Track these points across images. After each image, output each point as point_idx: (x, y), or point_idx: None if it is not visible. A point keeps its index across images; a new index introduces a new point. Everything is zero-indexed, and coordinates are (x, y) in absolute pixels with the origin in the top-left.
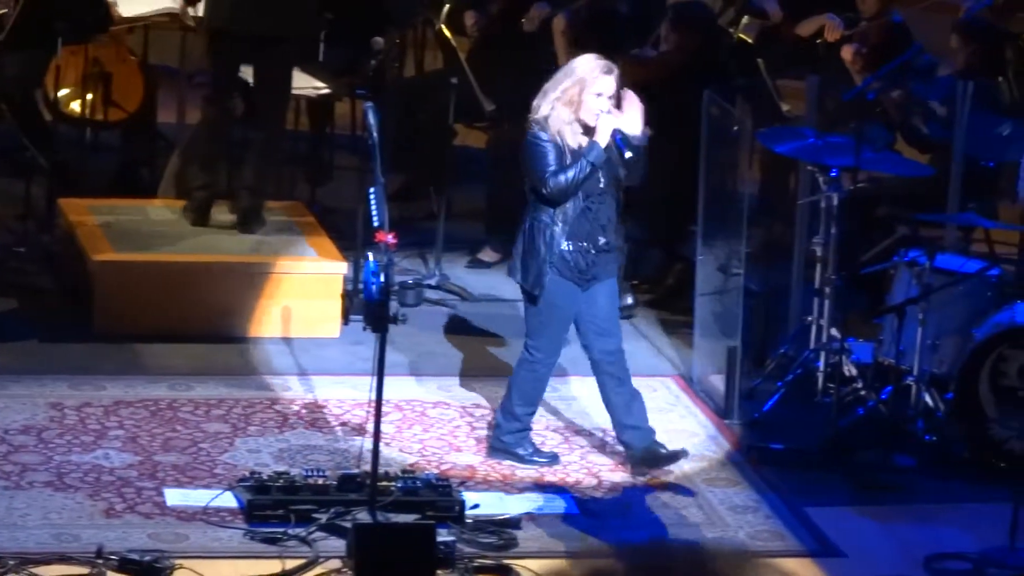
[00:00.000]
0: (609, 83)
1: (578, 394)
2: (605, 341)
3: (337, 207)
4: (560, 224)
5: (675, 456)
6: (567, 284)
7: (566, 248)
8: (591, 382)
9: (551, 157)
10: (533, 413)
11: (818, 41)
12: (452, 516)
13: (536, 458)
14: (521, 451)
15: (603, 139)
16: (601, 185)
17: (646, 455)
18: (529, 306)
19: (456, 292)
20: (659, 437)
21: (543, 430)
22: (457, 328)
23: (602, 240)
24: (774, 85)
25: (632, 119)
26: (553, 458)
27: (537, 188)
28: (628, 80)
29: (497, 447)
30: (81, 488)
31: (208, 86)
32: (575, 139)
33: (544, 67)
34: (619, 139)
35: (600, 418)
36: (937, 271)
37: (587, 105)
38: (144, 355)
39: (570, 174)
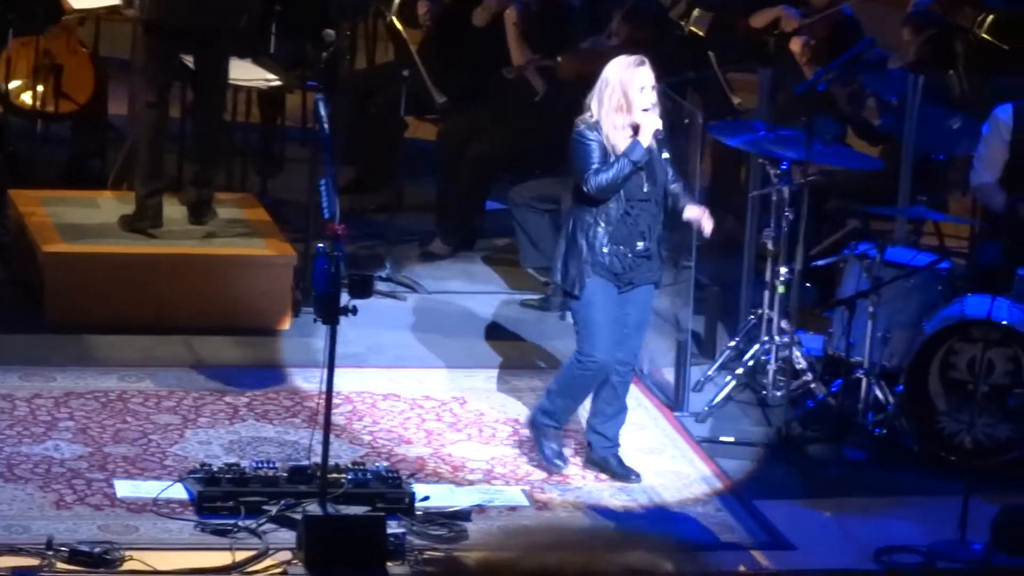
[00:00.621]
0: (646, 74)
1: (527, 387)
2: (621, 349)
3: (288, 199)
4: (603, 225)
5: (623, 477)
6: (606, 284)
7: (606, 250)
8: (541, 375)
9: (596, 156)
10: (570, 410)
11: (774, 32)
12: (402, 508)
13: (556, 460)
14: (546, 447)
15: (645, 138)
16: (644, 190)
17: (600, 463)
18: (572, 308)
19: (407, 284)
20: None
21: (493, 422)
22: (408, 320)
23: (641, 245)
24: (725, 78)
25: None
26: (563, 462)
27: (579, 185)
28: (577, 72)
29: (530, 422)
30: (31, 479)
31: (146, 85)
32: (626, 144)
33: (495, 59)
34: (657, 135)
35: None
36: (887, 264)
37: (636, 104)
38: (94, 347)
39: (612, 172)
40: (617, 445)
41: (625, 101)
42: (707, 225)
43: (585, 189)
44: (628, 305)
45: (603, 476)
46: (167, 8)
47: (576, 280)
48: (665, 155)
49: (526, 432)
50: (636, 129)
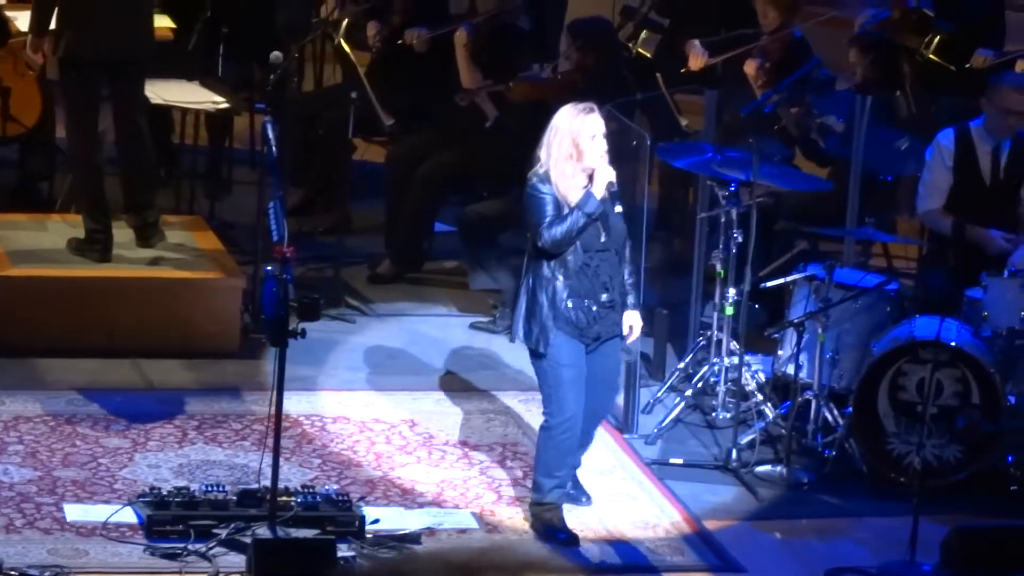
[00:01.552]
0: (596, 121)
1: (476, 409)
2: (592, 401)
3: (236, 222)
4: (562, 278)
5: (574, 499)
6: (572, 342)
7: (569, 305)
8: (490, 398)
9: (548, 208)
10: (559, 488)
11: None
12: (352, 531)
13: (559, 536)
14: (550, 533)
15: (599, 190)
16: (603, 240)
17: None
18: (537, 368)
19: (355, 307)
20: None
21: (442, 444)
22: (357, 343)
23: (604, 297)
24: (672, 99)
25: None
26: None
27: (533, 239)
28: (527, 97)
29: (532, 512)
30: None
31: (73, 119)
32: (577, 194)
33: (443, 81)
34: (610, 187)
35: (499, 433)
36: (836, 285)
37: (588, 152)
38: (43, 370)
39: (565, 225)
40: (576, 465)
41: (575, 150)
42: (633, 336)
43: (539, 243)
44: (598, 360)
45: None
46: (78, 42)
47: (540, 338)
48: (618, 209)
49: (475, 454)
50: (591, 177)
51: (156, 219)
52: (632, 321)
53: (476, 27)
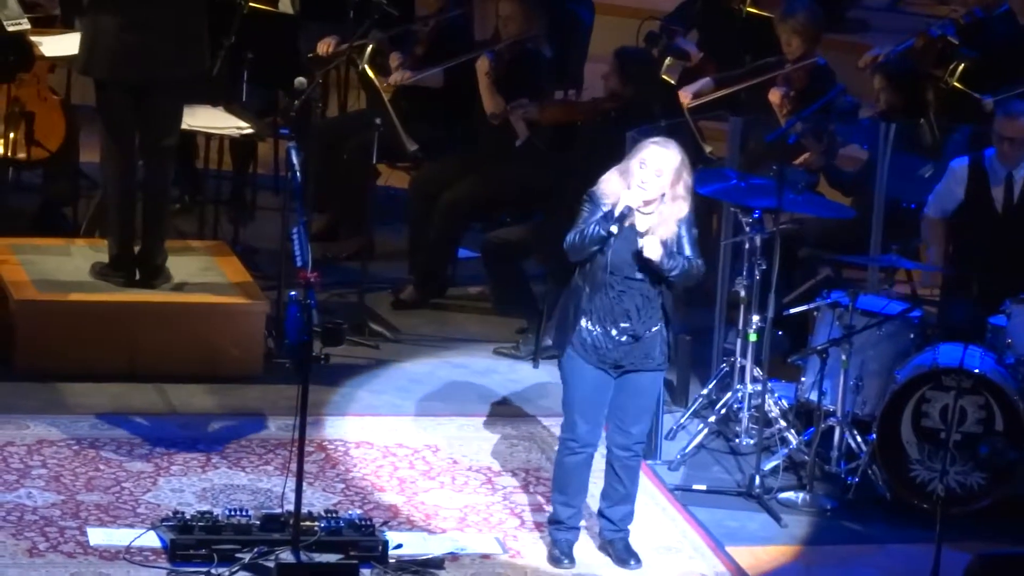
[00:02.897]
0: (654, 153)
1: (499, 435)
2: (618, 435)
3: (260, 247)
4: (588, 290)
5: (623, 561)
6: (589, 369)
7: (585, 325)
8: (513, 424)
9: (590, 218)
10: (569, 506)
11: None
12: (375, 556)
13: (560, 562)
14: (550, 551)
15: (618, 207)
16: (635, 273)
17: (605, 546)
18: (561, 377)
19: (379, 332)
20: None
21: (466, 470)
22: (380, 368)
23: (624, 325)
24: (697, 126)
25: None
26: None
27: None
28: (556, 121)
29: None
30: (4, 527)
31: (107, 141)
32: (620, 207)
33: (467, 107)
34: (624, 215)
35: (523, 459)
36: (859, 312)
37: (632, 173)
38: (67, 394)
39: (579, 235)
40: (624, 531)
41: (627, 169)
42: (648, 243)
43: (564, 244)
44: (626, 390)
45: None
46: (109, 63)
47: (559, 345)
48: (613, 228)
49: (499, 480)
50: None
51: (163, 262)
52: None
53: (498, 54)
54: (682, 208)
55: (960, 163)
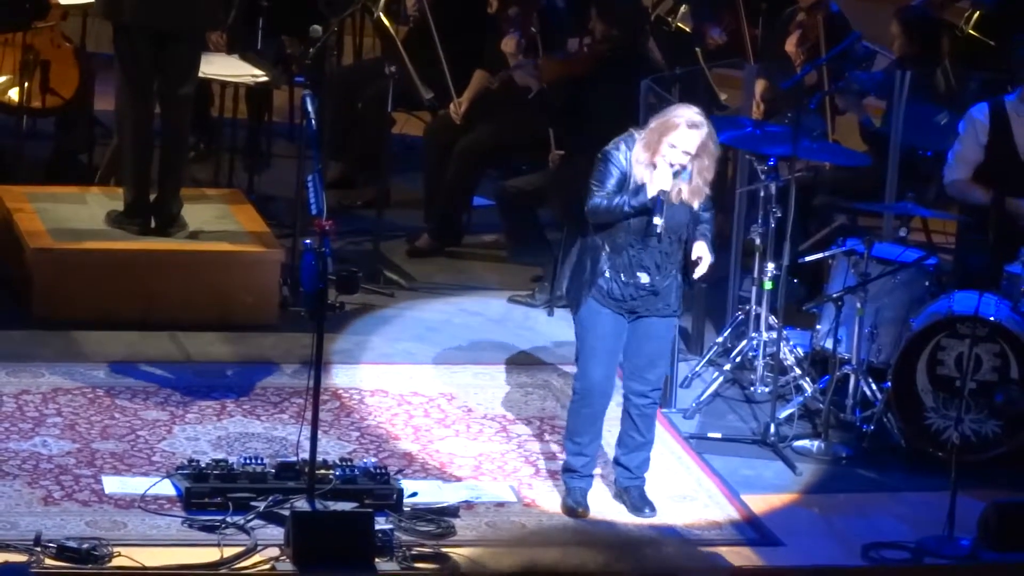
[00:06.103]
0: (688, 137)
1: (514, 383)
2: (634, 382)
3: (275, 195)
4: (608, 249)
5: (637, 509)
6: (606, 312)
7: (607, 275)
8: (528, 372)
9: (609, 180)
10: (583, 455)
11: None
12: (390, 504)
13: (570, 508)
14: (565, 498)
15: (651, 190)
16: (657, 231)
17: (620, 494)
18: (575, 329)
19: (394, 280)
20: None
21: (480, 418)
22: (395, 316)
23: (644, 279)
24: (711, 74)
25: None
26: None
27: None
28: (558, 76)
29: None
30: (19, 476)
31: (124, 87)
32: (643, 177)
33: (482, 54)
34: (660, 201)
35: (537, 407)
36: (875, 260)
37: (661, 152)
38: (82, 342)
39: (606, 203)
40: (640, 479)
41: (656, 144)
42: (701, 269)
43: (585, 207)
44: (640, 335)
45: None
46: (132, 7)
47: (575, 300)
48: (657, 220)
49: (513, 428)
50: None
51: (178, 211)
52: (700, 252)
53: (523, 29)
54: (710, 173)
55: (981, 110)
